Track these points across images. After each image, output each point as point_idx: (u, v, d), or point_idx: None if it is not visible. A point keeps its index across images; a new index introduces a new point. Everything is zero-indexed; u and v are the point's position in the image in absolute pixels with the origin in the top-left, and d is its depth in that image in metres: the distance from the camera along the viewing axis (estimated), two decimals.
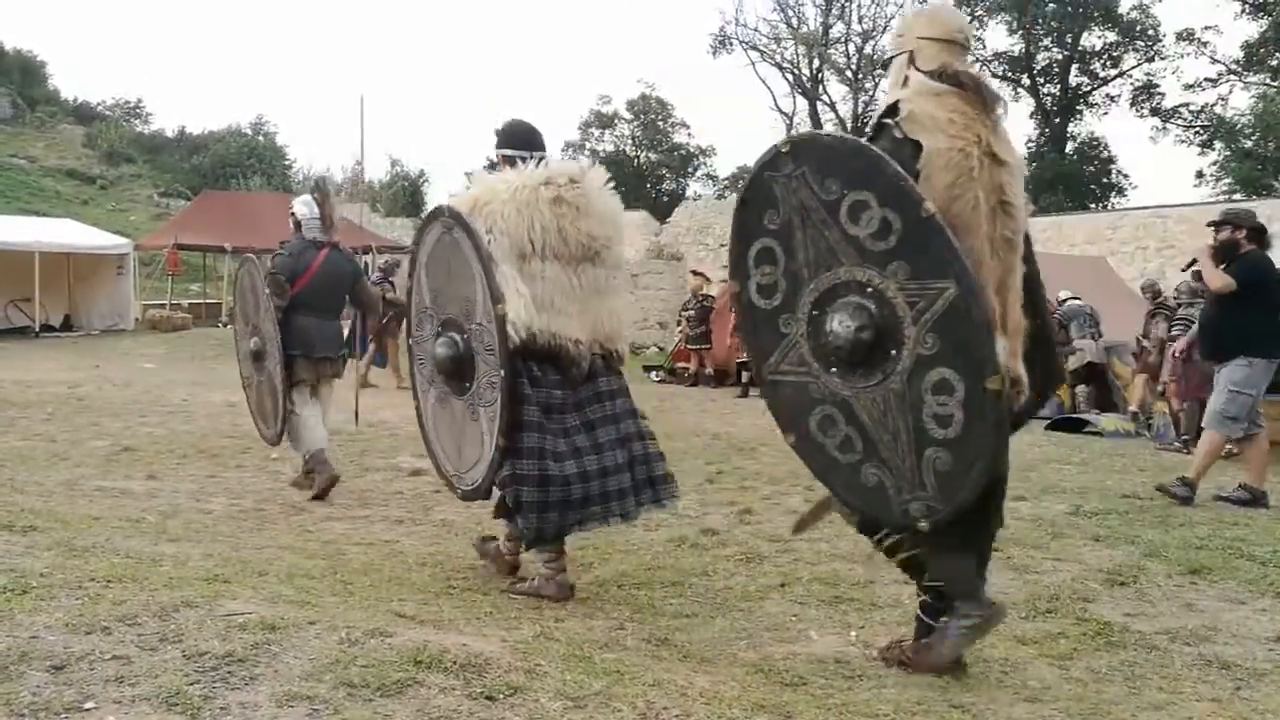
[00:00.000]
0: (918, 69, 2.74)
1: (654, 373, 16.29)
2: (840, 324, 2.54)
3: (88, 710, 1.94)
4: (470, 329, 3.48)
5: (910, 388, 2.48)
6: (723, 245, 22.53)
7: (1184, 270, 7.69)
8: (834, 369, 2.61)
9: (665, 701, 2.28)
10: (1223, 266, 5.82)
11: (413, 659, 2.29)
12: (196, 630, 2.38)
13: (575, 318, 3.50)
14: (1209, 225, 6.27)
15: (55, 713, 1.92)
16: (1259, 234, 5.93)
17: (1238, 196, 26.21)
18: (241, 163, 33.34)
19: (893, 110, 2.65)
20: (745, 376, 12.98)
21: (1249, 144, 30.93)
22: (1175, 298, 9.75)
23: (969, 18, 35.65)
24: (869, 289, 2.50)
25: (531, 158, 3.62)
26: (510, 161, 3.63)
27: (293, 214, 5.56)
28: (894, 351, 2.49)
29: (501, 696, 2.16)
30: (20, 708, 1.93)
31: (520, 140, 3.72)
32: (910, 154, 2.53)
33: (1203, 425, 6.03)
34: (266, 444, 5.39)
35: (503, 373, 3.32)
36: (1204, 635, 3.30)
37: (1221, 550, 4.49)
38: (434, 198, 41.84)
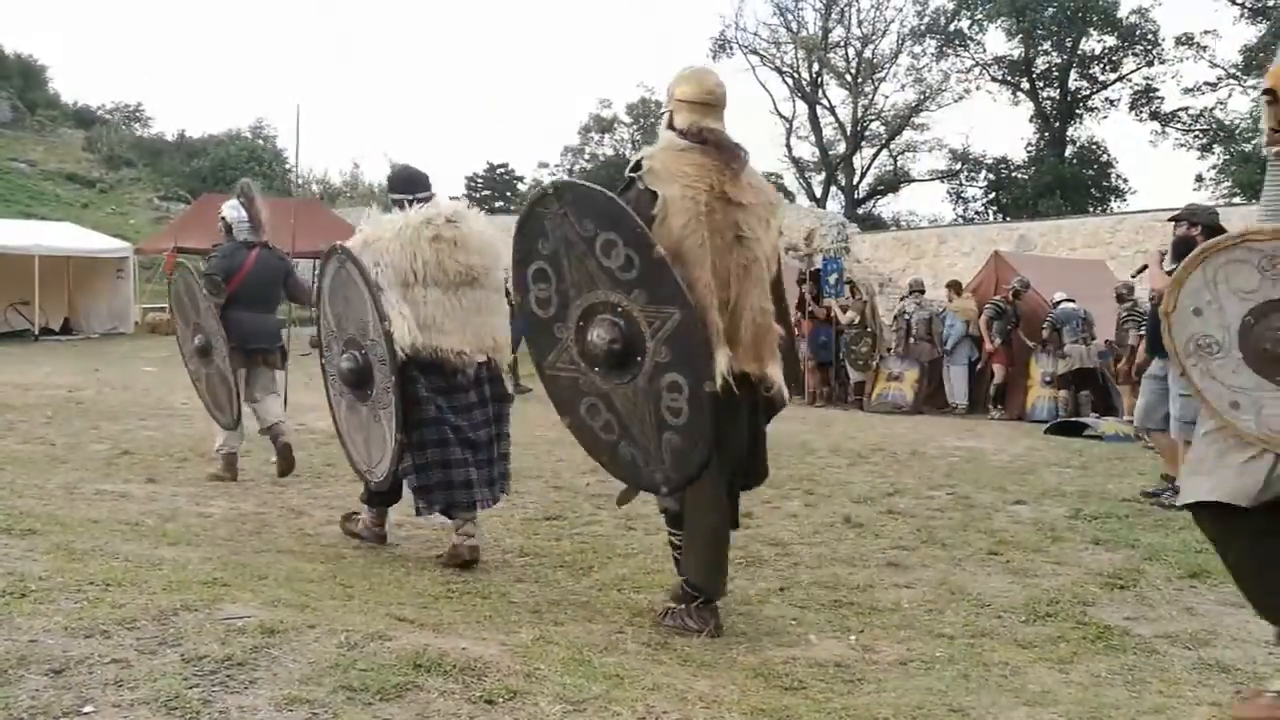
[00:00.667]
0: (671, 127, 3.32)
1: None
2: (598, 336, 3.13)
3: (86, 714, 1.94)
4: (366, 345, 4.09)
5: (651, 386, 3.10)
6: None
7: (1133, 276, 7.96)
8: (596, 369, 3.19)
9: (665, 705, 2.27)
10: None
11: (412, 662, 2.29)
12: (195, 634, 2.38)
13: (456, 334, 4.08)
14: (1169, 220, 6.33)
15: (54, 716, 1.92)
16: (1214, 233, 5.95)
17: (1238, 200, 26.22)
18: (241, 166, 33.34)
19: (638, 166, 3.19)
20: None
21: (1248, 148, 30.94)
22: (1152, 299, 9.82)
23: (969, 21, 35.80)
24: (619, 309, 3.09)
25: (416, 199, 4.21)
26: (399, 204, 4.23)
27: (223, 218, 6.00)
28: (639, 358, 3.10)
29: (501, 700, 2.16)
30: (19, 711, 1.93)
31: (405, 185, 4.31)
32: (649, 201, 3.10)
33: (1151, 427, 6.19)
34: (224, 429, 5.81)
35: (393, 379, 3.94)
36: (1204, 639, 3.30)
37: None
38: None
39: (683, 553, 3.39)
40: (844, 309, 13.16)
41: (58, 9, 69.53)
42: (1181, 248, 5.88)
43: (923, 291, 13.64)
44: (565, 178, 4.24)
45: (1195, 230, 5.85)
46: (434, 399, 4.06)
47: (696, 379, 3.02)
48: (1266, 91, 2.34)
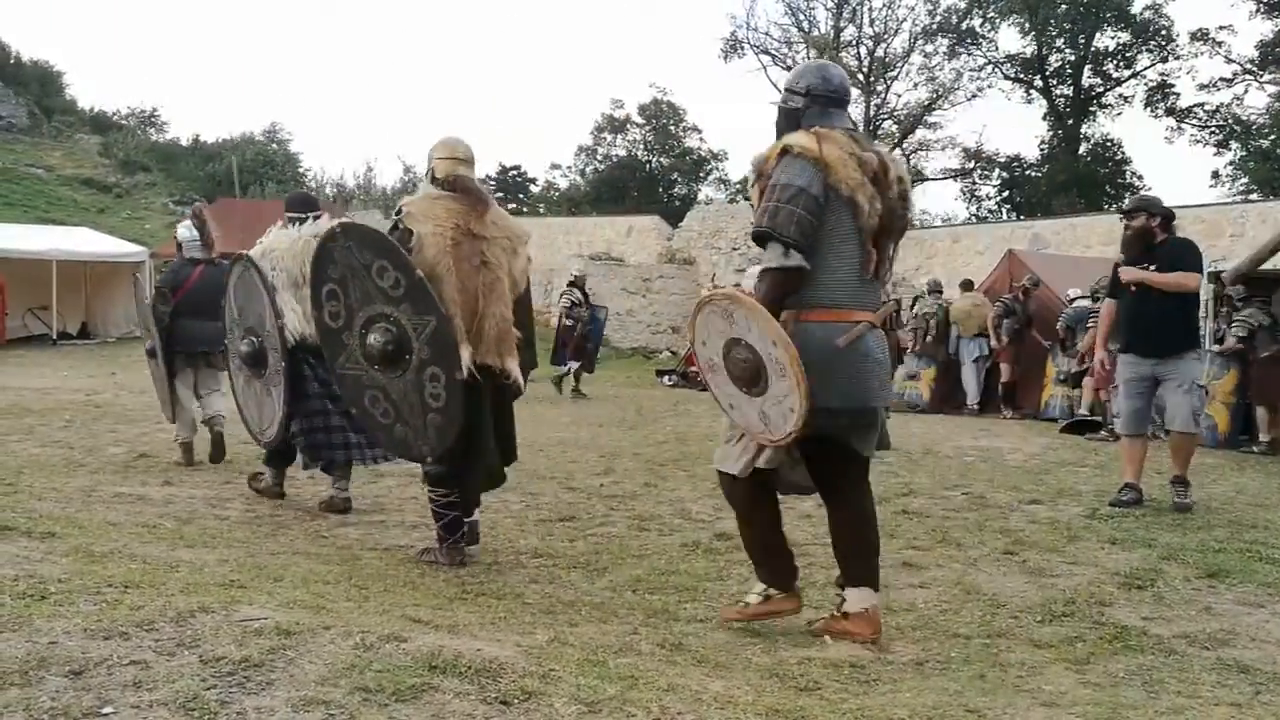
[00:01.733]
0: (432, 179, 4.16)
1: (667, 377, 16.30)
2: (375, 339, 3.97)
3: (106, 715, 1.96)
4: (263, 335, 5.13)
5: (417, 377, 3.95)
6: (735, 249, 22.53)
7: (1094, 286, 7.96)
8: (376, 366, 4.03)
9: (679, 706, 2.28)
10: (1149, 261, 5.73)
11: (428, 664, 2.30)
12: (213, 635, 2.39)
13: None
14: (1121, 215, 6.22)
15: (74, 718, 1.94)
16: (1169, 221, 5.91)
17: (1255, 197, 26.01)
18: (256, 170, 33.53)
19: (400, 210, 4.10)
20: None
21: (1265, 144, 30.70)
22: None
23: (981, 19, 35.63)
24: (391, 318, 3.95)
25: (308, 217, 5.30)
26: (294, 221, 5.33)
27: (176, 238, 6.99)
28: (408, 356, 3.95)
29: (516, 701, 2.16)
30: (39, 713, 1.95)
31: (301, 206, 5.50)
32: (407, 237, 3.97)
33: (1172, 428, 5.77)
34: (170, 421, 6.74)
35: (284, 364, 4.97)
36: (1222, 639, 3.28)
37: (1239, 553, 4.46)
38: None
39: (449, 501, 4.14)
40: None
41: (75, 16, 70.16)
42: (1137, 240, 5.83)
43: (940, 291, 13.57)
44: (350, 220, 4.86)
45: (1154, 221, 5.79)
46: (316, 378, 5.08)
47: (449, 370, 3.85)
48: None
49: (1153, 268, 5.68)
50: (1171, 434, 5.82)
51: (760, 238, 3.11)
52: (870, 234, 3.17)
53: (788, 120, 3.29)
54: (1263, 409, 9.08)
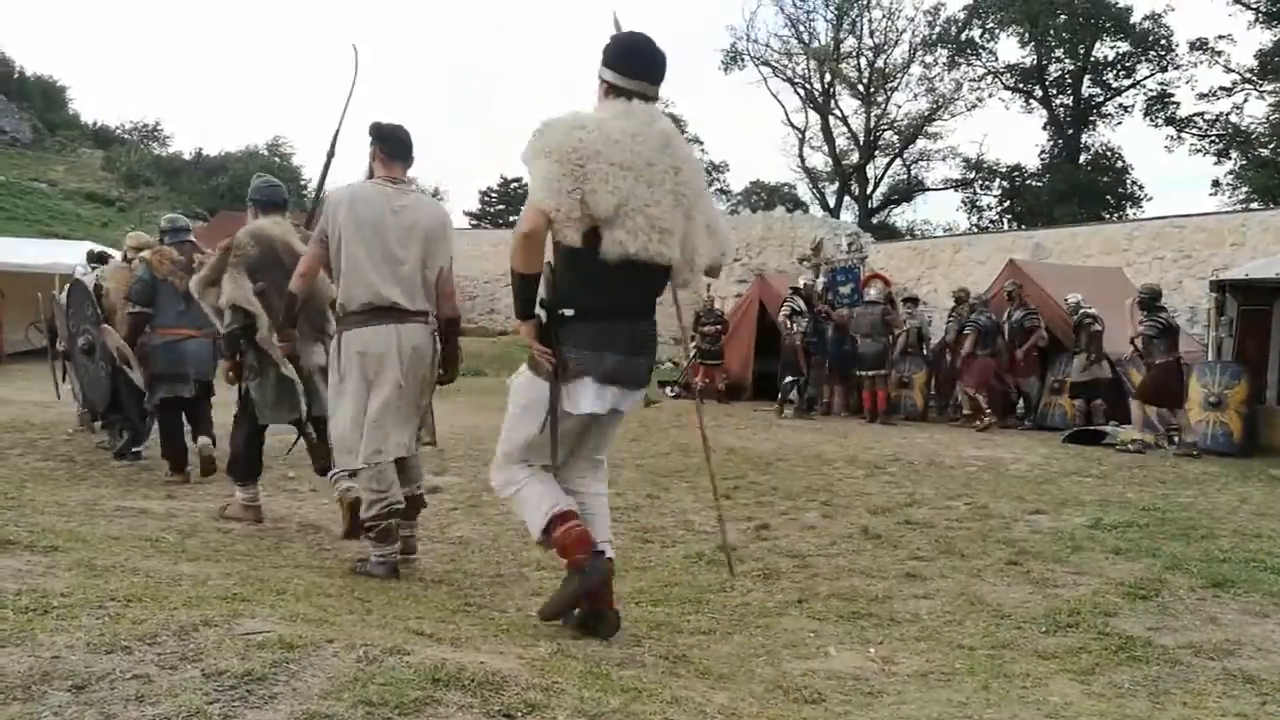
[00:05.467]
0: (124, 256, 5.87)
1: (668, 388, 16.28)
2: (84, 345, 7.20)
3: None
4: (93, 333, 7.18)
5: (94, 364, 7.36)
6: (736, 260, 22.55)
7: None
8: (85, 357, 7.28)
9: (683, 718, 2.27)
10: None
11: (430, 677, 2.29)
12: (216, 649, 2.38)
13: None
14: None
15: None
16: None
17: (1255, 205, 26.03)
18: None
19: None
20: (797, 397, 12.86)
21: (1265, 152, 30.74)
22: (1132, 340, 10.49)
23: (981, 30, 35.76)
24: (89, 332, 7.17)
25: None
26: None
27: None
28: (95, 351, 7.28)
29: (519, 714, 2.15)
30: None
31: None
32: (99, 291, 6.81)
33: None
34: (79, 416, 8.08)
35: (114, 357, 6.78)
36: (1228, 649, 3.26)
37: (1244, 563, 4.44)
38: (450, 215, 41.81)
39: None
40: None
41: (79, 31, 70.49)
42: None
43: (916, 303, 14.06)
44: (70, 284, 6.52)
45: None
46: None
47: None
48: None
49: None
50: None
51: None
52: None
53: None
54: (1144, 407, 9.75)
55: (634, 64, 2.99)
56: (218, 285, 4.94)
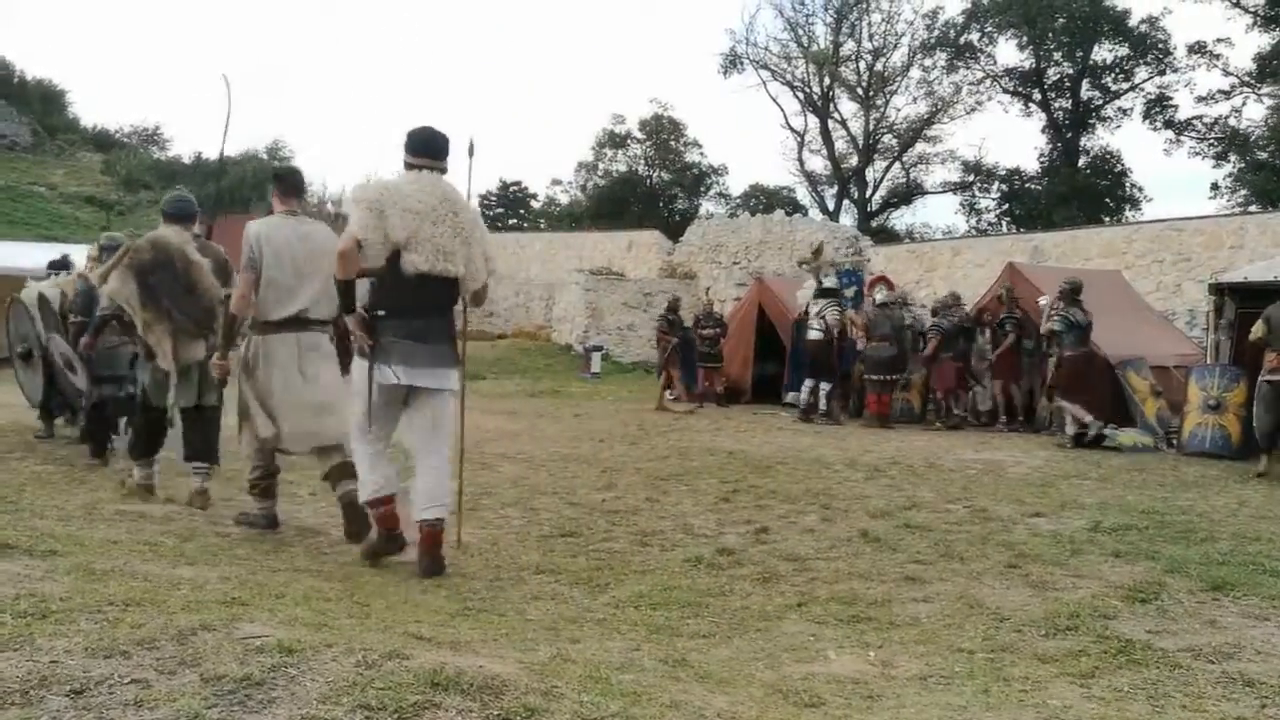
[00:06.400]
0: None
1: (668, 391, 16.26)
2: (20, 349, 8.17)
3: None
4: (32, 343, 8.00)
5: (27, 364, 8.35)
6: (735, 263, 22.57)
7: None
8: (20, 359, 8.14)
9: None
10: None
11: (430, 681, 2.29)
12: (214, 654, 2.38)
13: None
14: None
15: None
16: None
17: (1254, 208, 26.05)
18: (259, 187, 33.62)
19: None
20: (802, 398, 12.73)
21: (1264, 155, 30.77)
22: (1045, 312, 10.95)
23: (979, 33, 35.82)
24: (39, 339, 7.94)
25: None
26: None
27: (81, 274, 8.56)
28: (34, 354, 8.03)
29: (518, 718, 2.15)
30: None
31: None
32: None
33: None
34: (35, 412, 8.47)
35: (57, 361, 7.58)
36: (1228, 652, 3.26)
37: (1244, 566, 4.44)
38: None
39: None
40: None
41: (77, 34, 70.52)
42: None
43: (883, 307, 13.79)
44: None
45: None
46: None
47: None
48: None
49: None
50: None
51: None
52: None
53: None
54: (1067, 403, 10.20)
55: (420, 149, 4.31)
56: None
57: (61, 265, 9.73)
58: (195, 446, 5.59)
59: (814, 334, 12.57)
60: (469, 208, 4.42)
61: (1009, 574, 4.39)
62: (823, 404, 12.42)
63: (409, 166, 4.31)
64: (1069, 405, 10.15)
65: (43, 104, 37.60)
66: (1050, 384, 10.46)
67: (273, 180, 5.25)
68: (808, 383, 12.58)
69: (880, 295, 12.91)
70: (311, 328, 4.85)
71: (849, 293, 13.48)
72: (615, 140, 40.85)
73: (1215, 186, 32.78)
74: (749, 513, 5.94)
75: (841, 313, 12.60)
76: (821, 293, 12.81)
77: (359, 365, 4.25)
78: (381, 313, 4.17)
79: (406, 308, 4.17)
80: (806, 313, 12.84)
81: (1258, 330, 8.48)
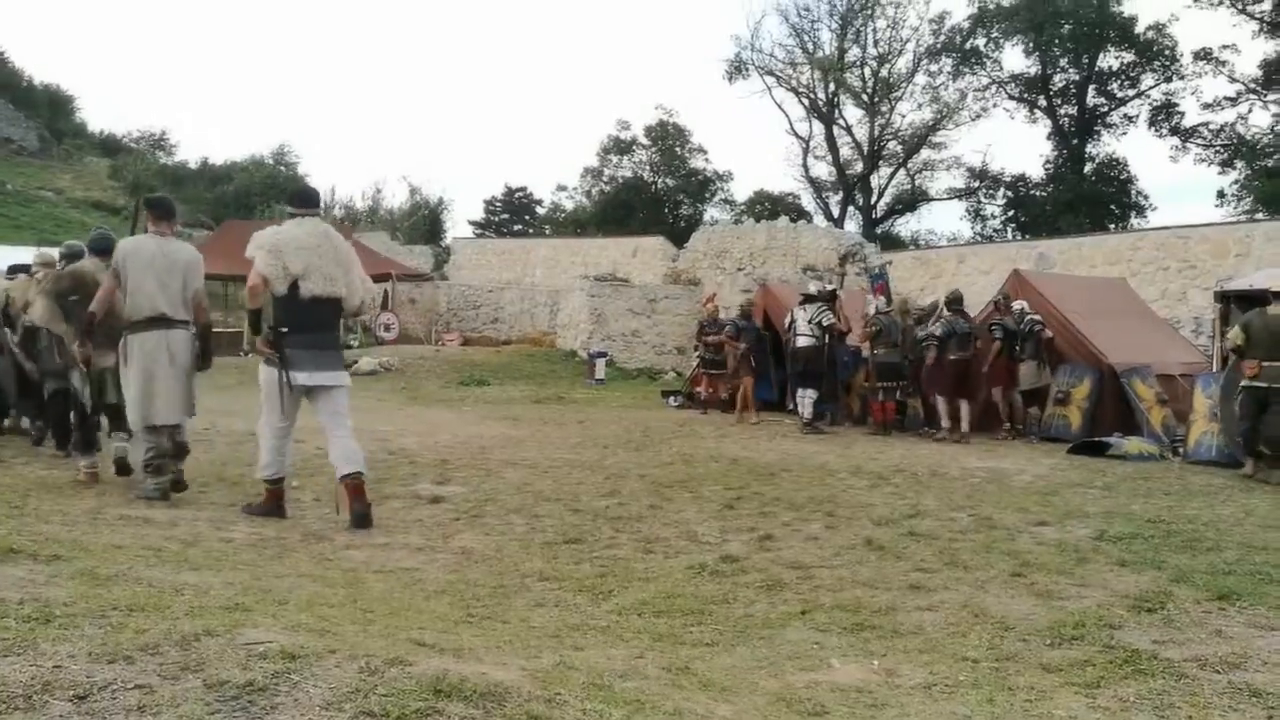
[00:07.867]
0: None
1: (672, 398, 16.28)
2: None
3: None
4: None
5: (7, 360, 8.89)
6: (740, 269, 22.58)
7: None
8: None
9: None
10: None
11: (433, 688, 2.29)
12: (217, 659, 2.38)
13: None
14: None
15: None
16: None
17: (1260, 215, 26.01)
18: (264, 192, 33.77)
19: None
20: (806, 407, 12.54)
21: (1270, 163, 30.72)
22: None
23: (985, 39, 35.83)
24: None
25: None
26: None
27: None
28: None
29: None
30: None
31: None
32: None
33: None
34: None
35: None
36: (1234, 662, 3.25)
37: (1250, 575, 4.43)
38: (454, 224, 42.05)
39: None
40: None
41: (85, 40, 70.83)
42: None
43: (886, 314, 13.69)
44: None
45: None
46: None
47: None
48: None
49: None
50: None
51: None
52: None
53: None
54: (943, 399, 11.31)
55: (301, 201, 5.59)
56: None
57: (23, 270, 9.88)
58: (119, 425, 6.59)
59: (804, 340, 12.35)
60: (344, 242, 5.54)
61: (1014, 583, 4.38)
62: (806, 411, 12.15)
63: (292, 215, 5.47)
64: (944, 404, 11.26)
65: (50, 109, 37.80)
66: (925, 383, 11.64)
67: (146, 207, 6.35)
68: (800, 393, 12.35)
69: (883, 302, 12.85)
70: (176, 326, 5.86)
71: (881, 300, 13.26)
72: (621, 146, 40.92)
73: (1221, 194, 32.80)
74: (753, 520, 5.93)
75: (836, 316, 12.51)
76: (808, 298, 12.69)
77: (268, 371, 5.33)
78: (285, 329, 5.25)
79: (305, 324, 5.27)
80: (794, 319, 12.69)
81: (1237, 338, 8.41)
